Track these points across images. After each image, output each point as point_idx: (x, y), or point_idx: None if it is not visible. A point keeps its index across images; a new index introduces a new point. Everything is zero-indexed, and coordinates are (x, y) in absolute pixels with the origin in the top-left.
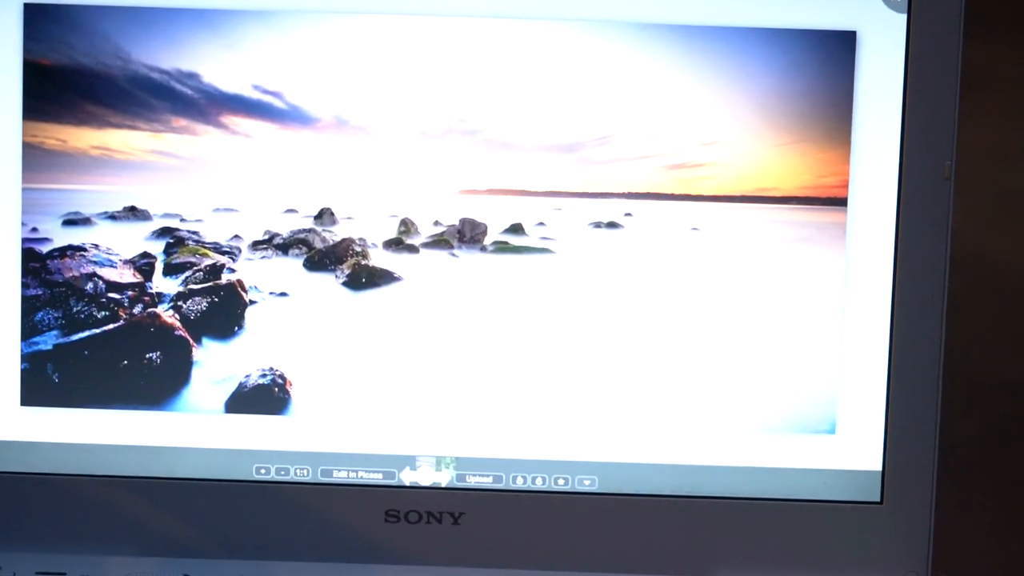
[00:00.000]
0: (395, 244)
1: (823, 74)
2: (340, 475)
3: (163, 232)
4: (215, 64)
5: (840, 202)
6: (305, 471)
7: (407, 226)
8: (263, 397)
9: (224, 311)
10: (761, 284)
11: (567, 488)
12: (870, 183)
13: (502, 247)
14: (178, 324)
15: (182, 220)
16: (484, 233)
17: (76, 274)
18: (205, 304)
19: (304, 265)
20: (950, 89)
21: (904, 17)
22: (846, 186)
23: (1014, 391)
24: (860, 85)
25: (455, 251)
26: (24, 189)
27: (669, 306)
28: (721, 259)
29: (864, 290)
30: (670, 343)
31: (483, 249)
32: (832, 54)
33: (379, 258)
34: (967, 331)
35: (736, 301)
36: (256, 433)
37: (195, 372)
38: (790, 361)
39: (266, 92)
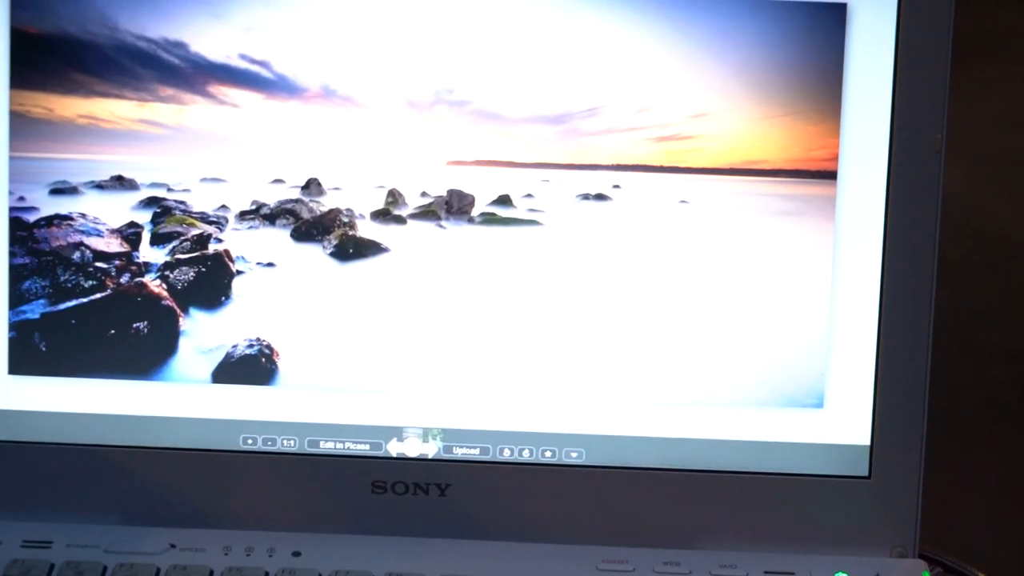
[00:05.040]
0: (382, 215)
1: (814, 47)
2: (327, 446)
3: (150, 201)
4: (202, 33)
5: (830, 175)
6: (292, 441)
7: (394, 197)
8: (250, 367)
9: (211, 281)
10: (749, 257)
11: (554, 460)
12: (860, 157)
13: (489, 219)
14: (165, 294)
15: (169, 190)
16: (471, 204)
17: (64, 243)
18: (192, 274)
19: (291, 236)
20: (941, 62)
21: None
22: (836, 159)
23: (1011, 361)
24: (851, 58)
25: (442, 222)
26: (11, 158)
27: (657, 279)
28: (709, 232)
29: (853, 264)
30: (657, 316)
31: (470, 220)
32: (823, 27)
33: (366, 229)
34: (964, 300)
35: (724, 274)
36: (243, 403)
37: (182, 342)
38: (778, 335)
39: (253, 62)
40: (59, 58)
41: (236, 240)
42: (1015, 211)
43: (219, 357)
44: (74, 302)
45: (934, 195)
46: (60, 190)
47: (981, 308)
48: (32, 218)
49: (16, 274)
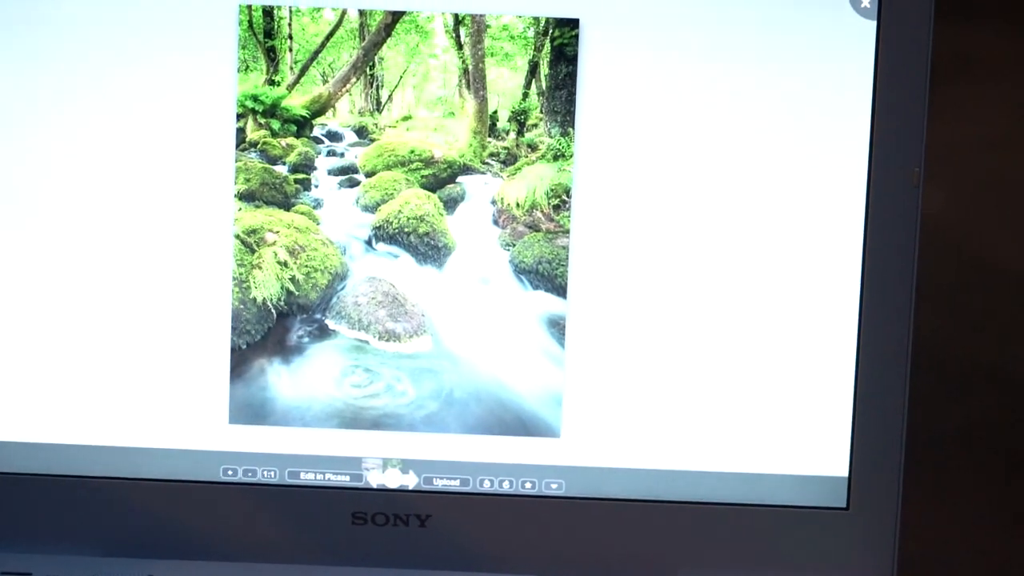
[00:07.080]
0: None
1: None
2: (307, 477)
3: None
4: None
5: None
6: (272, 472)
7: None
8: None
9: None
10: (728, 288)
11: (534, 491)
12: (837, 190)
13: None
14: None
15: None
16: None
17: None
18: None
19: None
20: (919, 95)
21: (874, 24)
22: None
23: (990, 386)
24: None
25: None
26: None
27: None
28: (686, 260)
29: (830, 298)
30: (636, 347)
31: None
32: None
33: None
34: (943, 324)
35: (704, 307)
36: (224, 434)
37: None
38: (756, 366)
39: None
40: None
41: None
42: (993, 232)
43: None
44: None
45: (912, 228)
46: None
47: (957, 329)
48: None
49: None
